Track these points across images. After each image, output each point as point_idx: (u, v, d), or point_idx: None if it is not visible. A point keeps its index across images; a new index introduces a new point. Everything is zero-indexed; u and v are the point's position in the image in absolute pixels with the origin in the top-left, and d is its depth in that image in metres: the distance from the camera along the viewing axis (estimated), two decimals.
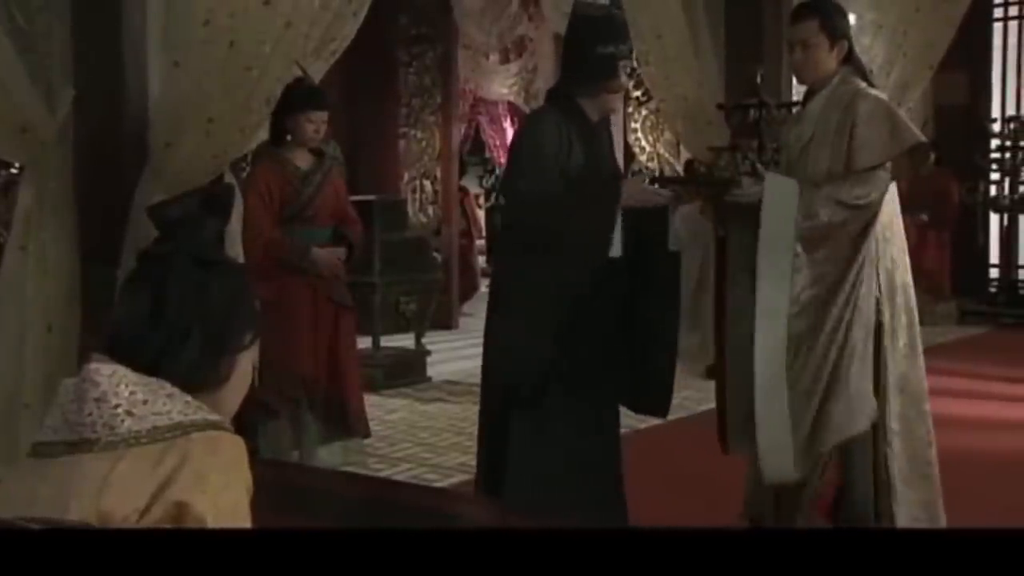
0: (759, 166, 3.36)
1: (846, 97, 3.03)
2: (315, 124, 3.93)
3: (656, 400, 3.09)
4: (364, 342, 5.41)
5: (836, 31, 3.05)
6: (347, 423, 4.08)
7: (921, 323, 8.93)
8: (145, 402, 1.19)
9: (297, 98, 3.81)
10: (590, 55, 2.97)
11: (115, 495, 1.14)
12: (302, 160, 4.01)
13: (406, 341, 6.67)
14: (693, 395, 5.28)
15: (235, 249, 3.52)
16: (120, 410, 1.17)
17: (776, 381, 2.89)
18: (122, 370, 1.20)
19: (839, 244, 2.94)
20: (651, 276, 3.06)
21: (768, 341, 2.89)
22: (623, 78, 3.06)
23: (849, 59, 3.10)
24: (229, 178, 3.56)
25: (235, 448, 1.22)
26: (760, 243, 2.89)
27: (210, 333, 1.26)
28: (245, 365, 1.33)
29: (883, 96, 3.18)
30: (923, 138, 3.18)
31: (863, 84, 3.08)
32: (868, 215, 2.98)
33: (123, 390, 1.18)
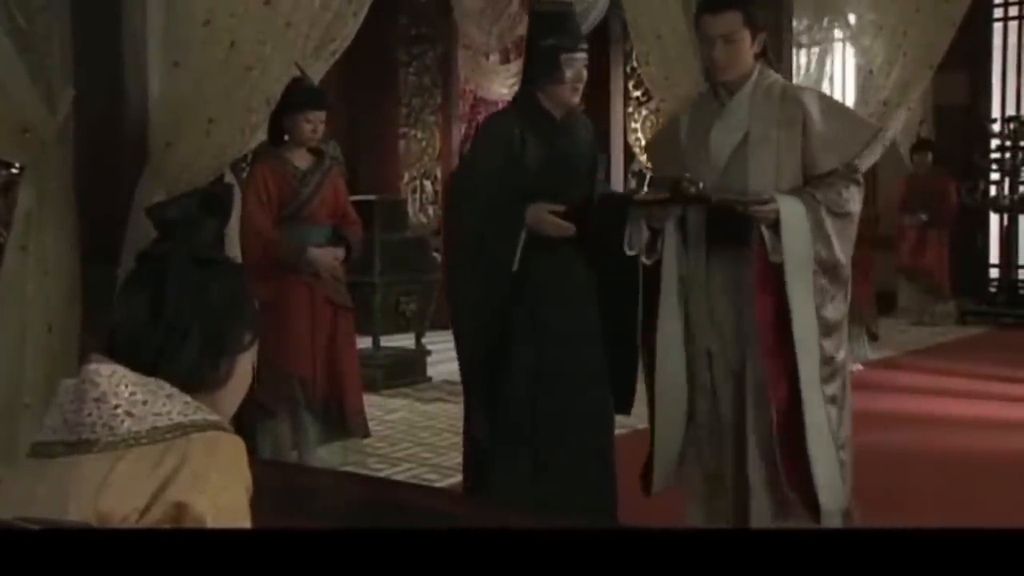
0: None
1: (775, 91, 2.85)
2: (313, 124, 3.93)
3: (619, 398, 3.16)
4: (364, 342, 5.41)
5: (758, 23, 2.88)
6: (346, 423, 4.08)
7: (921, 323, 8.87)
8: (145, 402, 1.19)
9: (295, 98, 3.81)
10: (535, 48, 3.12)
11: (114, 495, 1.14)
12: (301, 160, 4.02)
13: (406, 341, 6.67)
14: None
15: (234, 249, 3.53)
16: (120, 411, 1.18)
17: (818, 409, 2.74)
18: (122, 370, 1.20)
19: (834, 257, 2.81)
20: (610, 279, 3.11)
21: (808, 370, 2.74)
22: (569, 71, 3.07)
23: (764, 52, 2.93)
24: (229, 178, 3.56)
25: (234, 448, 1.22)
26: (787, 269, 2.72)
27: (209, 334, 1.27)
28: (244, 365, 1.33)
29: (814, 89, 3.06)
30: (877, 125, 3.11)
31: (781, 78, 2.94)
32: (854, 225, 2.85)
33: (123, 391, 1.19)
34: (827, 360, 2.78)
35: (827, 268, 2.78)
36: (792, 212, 2.73)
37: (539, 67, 3.10)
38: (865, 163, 7.35)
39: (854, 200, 2.84)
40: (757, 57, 2.88)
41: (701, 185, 2.75)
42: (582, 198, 3.09)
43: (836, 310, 2.81)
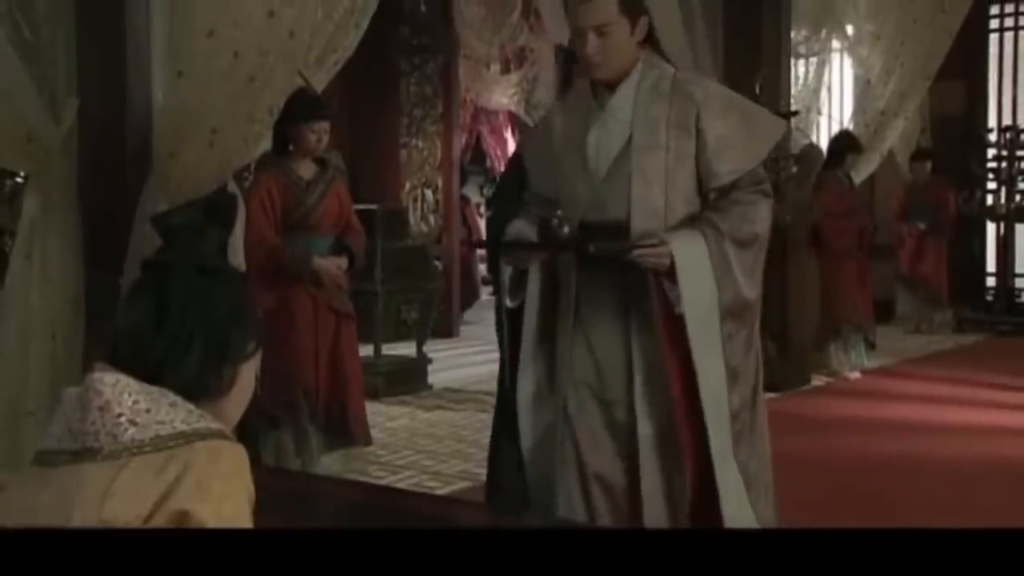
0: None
1: (664, 86, 2.38)
2: (317, 134, 3.95)
3: None
4: (366, 350, 5.42)
5: (637, 8, 2.37)
6: (349, 431, 4.09)
7: (919, 331, 8.86)
8: (148, 411, 1.19)
9: (299, 108, 3.83)
10: None
11: (118, 504, 1.14)
12: (305, 169, 4.04)
13: (407, 349, 6.68)
14: None
15: (237, 257, 3.55)
16: (123, 419, 1.18)
17: (732, 478, 2.35)
18: (125, 379, 1.21)
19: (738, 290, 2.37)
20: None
21: (720, 441, 2.33)
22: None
23: (650, 37, 2.44)
24: (232, 188, 3.58)
25: (237, 456, 1.23)
26: (689, 325, 2.29)
27: (212, 342, 1.27)
28: (248, 374, 1.33)
29: (712, 81, 2.57)
30: (782, 124, 2.60)
31: (671, 68, 2.47)
32: (763, 249, 2.41)
33: (126, 399, 1.19)
34: (735, 415, 2.36)
35: (734, 312, 2.35)
36: (689, 255, 2.28)
37: None
38: (862, 173, 7.43)
39: (763, 219, 2.39)
40: (642, 46, 2.41)
41: (567, 230, 2.33)
42: None
43: (740, 351, 2.39)
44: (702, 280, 2.28)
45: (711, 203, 2.38)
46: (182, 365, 1.24)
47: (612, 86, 2.40)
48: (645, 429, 2.37)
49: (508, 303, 2.53)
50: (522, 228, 2.45)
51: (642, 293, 2.35)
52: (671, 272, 2.27)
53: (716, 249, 2.29)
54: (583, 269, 2.40)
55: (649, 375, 2.37)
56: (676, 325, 2.30)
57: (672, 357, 2.32)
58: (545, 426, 2.50)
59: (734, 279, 2.32)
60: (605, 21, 2.32)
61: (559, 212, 2.36)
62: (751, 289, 2.36)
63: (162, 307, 1.25)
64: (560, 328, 2.48)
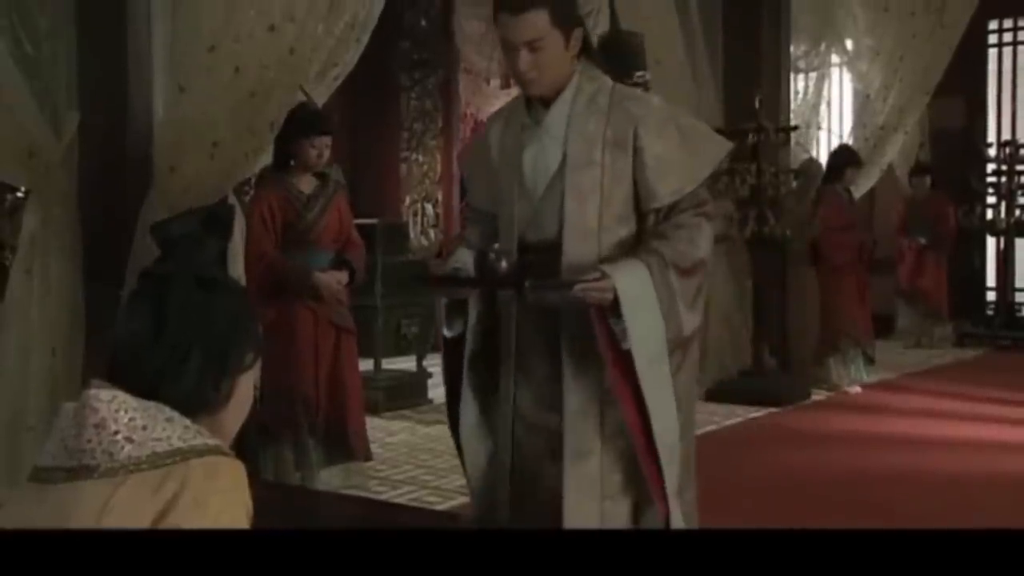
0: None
1: (601, 100, 2.26)
2: (318, 149, 3.96)
3: None
4: (366, 364, 5.42)
5: (570, 19, 2.22)
6: (348, 446, 4.09)
7: (919, 346, 8.87)
8: (144, 428, 1.18)
9: (301, 123, 3.84)
10: None
11: (114, 522, 1.14)
12: (306, 184, 4.04)
13: (407, 363, 6.68)
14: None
15: (237, 271, 3.55)
16: (119, 436, 1.17)
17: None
18: (121, 395, 1.20)
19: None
20: None
21: (671, 482, 2.22)
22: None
23: (586, 49, 2.29)
24: (232, 201, 3.59)
25: (234, 472, 1.22)
26: (638, 364, 2.15)
27: (210, 354, 1.26)
28: (246, 386, 1.32)
29: (654, 95, 2.41)
30: (726, 144, 2.41)
31: (610, 81, 2.32)
32: (704, 274, 2.27)
33: (122, 416, 1.18)
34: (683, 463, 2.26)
35: (679, 344, 2.24)
36: (634, 289, 2.14)
37: None
38: (862, 188, 7.44)
39: (706, 242, 2.26)
40: (578, 58, 2.28)
41: (505, 264, 2.22)
42: None
43: (686, 379, 2.30)
44: (649, 315, 2.15)
45: (653, 228, 2.26)
46: (180, 377, 1.24)
47: (547, 101, 2.28)
48: (571, 460, 2.26)
49: (446, 332, 2.42)
50: (462, 259, 2.34)
51: (583, 326, 2.21)
52: (615, 306, 2.13)
53: (661, 280, 2.16)
54: (522, 299, 2.29)
55: (583, 407, 2.26)
56: (623, 359, 2.17)
57: (622, 393, 2.18)
58: (488, 457, 2.42)
59: (676, 311, 2.18)
60: (536, 35, 2.17)
61: (496, 246, 2.26)
62: (695, 318, 2.24)
63: (159, 317, 1.24)
64: (501, 358, 2.37)
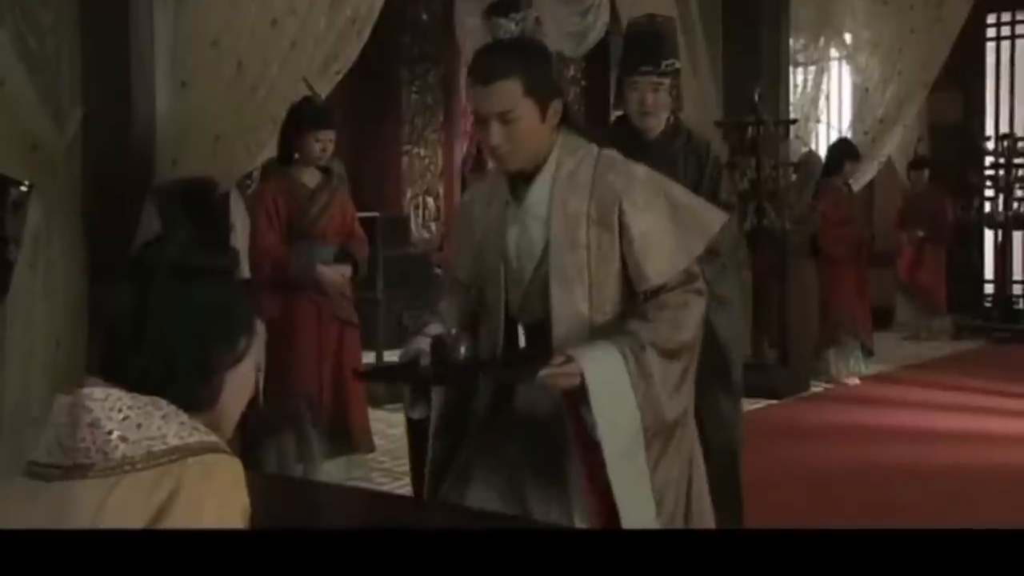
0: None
1: (583, 173, 2.06)
2: (322, 143, 3.97)
3: None
4: (367, 357, 5.44)
5: (546, 90, 2.03)
6: (351, 438, 4.11)
7: (918, 338, 8.87)
8: (139, 426, 1.16)
9: (304, 117, 3.86)
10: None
11: (109, 523, 1.12)
12: (309, 178, 4.06)
13: None
14: None
15: (243, 266, 3.57)
16: (114, 435, 1.15)
17: None
18: (116, 393, 1.17)
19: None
20: None
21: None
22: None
23: (566, 118, 2.09)
24: (234, 195, 3.61)
25: (231, 471, 1.19)
26: (607, 457, 1.94)
27: (194, 353, 1.22)
28: (246, 371, 1.29)
29: (639, 165, 2.12)
30: (720, 215, 2.21)
31: (595, 146, 2.12)
32: (696, 354, 2.09)
33: (116, 415, 1.15)
34: None
35: (658, 432, 2.01)
36: (603, 376, 1.93)
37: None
38: (860, 181, 7.46)
39: (694, 321, 2.06)
40: (558, 128, 2.08)
41: (463, 350, 2.10)
42: None
43: (671, 466, 2.07)
44: (621, 405, 1.94)
45: (633, 307, 2.07)
46: (166, 378, 1.20)
47: (528, 177, 2.08)
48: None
49: (411, 415, 2.21)
50: (420, 345, 2.14)
51: (554, 414, 2.06)
52: (583, 392, 1.93)
53: (636, 367, 1.95)
54: (480, 389, 2.14)
55: (546, 502, 2.08)
56: (594, 450, 1.96)
57: (589, 486, 2.00)
58: None
59: (656, 398, 1.97)
60: (507, 107, 1.98)
61: (453, 330, 2.13)
62: (679, 403, 2.04)
63: (140, 316, 1.21)
64: (467, 440, 2.20)
